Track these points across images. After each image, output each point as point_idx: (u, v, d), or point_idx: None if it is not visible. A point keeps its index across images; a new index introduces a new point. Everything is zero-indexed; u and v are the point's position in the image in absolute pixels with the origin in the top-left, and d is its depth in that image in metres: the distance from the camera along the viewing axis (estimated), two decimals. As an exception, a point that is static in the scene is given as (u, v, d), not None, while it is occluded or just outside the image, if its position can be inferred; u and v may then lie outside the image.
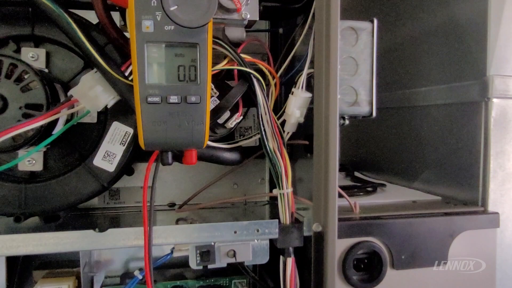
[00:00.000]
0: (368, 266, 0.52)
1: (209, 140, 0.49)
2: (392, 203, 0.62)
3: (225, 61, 0.47)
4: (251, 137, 0.54)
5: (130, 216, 0.54)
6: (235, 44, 0.47)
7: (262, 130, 0.46)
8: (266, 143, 0.47)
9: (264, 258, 0.51)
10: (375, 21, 0.49)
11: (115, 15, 0.45)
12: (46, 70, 0.46)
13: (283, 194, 0.47)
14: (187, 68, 0.38)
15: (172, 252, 0.54)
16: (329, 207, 0.46)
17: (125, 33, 0.44)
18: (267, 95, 0.50)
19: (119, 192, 0.58)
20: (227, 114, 0.50)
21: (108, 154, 0.47)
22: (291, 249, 0.48)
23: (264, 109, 0.46)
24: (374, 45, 0.49)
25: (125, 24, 0.46)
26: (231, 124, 0.51)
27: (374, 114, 0.50)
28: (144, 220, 0.42)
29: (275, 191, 0.48)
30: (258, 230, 0.48)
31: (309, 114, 0.49)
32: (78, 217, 0.53)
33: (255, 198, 0.62)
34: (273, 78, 0.50)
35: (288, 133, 0.50)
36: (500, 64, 0.56)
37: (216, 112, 0.48)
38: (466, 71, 0.61)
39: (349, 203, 0.55)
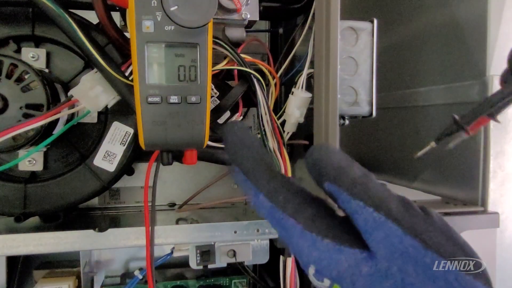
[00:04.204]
0: (368, 266, 0.52)
1: (209, 140, 0.49)
2: (392, 203, 0.62)
3: (225, 61, 0.47)
4: (251, 137, 0.54)
5: (130, 216, 0.54)
6: (235, 44, 0.47)
7: (262, 130, 0.46)
8: (266, 143, 0.47)
9: (264, 258, 0.51)
10: (375, 21, 0.49)
11: (115, 15, 0.45)
12: (47, 70, 0.46)
13: (283, 194, 0.47)
14: (187, 68, 0.38)
15: (172, 252, 0.54)
16: (329, 207, 0.46)
17: (125, 33, 0.44)
18: (267, 95, 0.50)
19: (119, 192, 0.58)
20: (227, 114, 0.50)
21: (109, 154, 0.47)
22: (291, 249, 0.48)
23: (264, 109, 0.46)
24: (374, 45, 0.49)
25: (125, 24, 0.46)
26: (231, 124, 0.51)
27: (374, 114, 0.50)
28: (146, 220, 0.42)
29: (275, 191, 0.48)
30: (258, 230, 0.48)
31: (309, 114, 0.49)
32: (78, 217, 0.53)
33: (255, 198, 0.62)
34: (273, 78, 0.50)
35: (288, 133, 0.50)
36: (500, 64, 0.56)
37: (216, 112, 0.48)
38: (466, 71, 0.61)
39: (349, 203, 0.55)
